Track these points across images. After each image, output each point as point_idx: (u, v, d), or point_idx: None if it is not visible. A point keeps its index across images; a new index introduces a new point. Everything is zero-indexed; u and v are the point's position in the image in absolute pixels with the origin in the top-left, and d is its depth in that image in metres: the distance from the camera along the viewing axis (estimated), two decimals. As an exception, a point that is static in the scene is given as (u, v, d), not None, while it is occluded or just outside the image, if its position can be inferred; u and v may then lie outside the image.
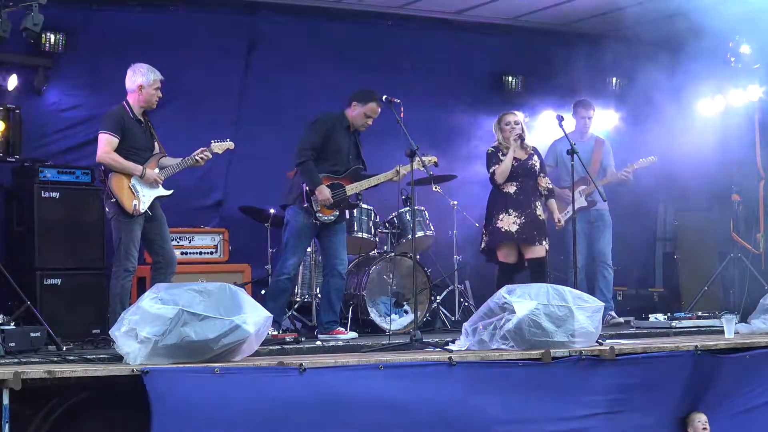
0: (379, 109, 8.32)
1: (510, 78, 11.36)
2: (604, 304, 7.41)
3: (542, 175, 8.87)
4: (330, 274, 8.36)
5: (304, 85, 9.88)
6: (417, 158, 8.04)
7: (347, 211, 8.81)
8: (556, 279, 9.52)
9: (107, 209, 7.63)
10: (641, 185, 10.12)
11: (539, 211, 8.76)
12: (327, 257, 8.43)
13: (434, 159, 8.48)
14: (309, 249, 8.94)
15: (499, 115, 9.00)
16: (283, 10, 10.08)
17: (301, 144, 8.24)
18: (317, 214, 8.18)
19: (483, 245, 8.92)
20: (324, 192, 8.14)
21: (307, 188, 8.16)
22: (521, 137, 8.70)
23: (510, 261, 8.73)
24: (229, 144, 8.01)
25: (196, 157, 7.79)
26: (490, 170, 8.76)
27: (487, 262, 8.98)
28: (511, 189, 8.74)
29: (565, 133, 8.73)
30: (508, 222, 8.65)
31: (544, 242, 8.70)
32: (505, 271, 8.70)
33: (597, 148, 9.96)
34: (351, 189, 8.33)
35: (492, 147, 8.89)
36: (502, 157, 8.73)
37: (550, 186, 8.95)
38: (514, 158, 8.72)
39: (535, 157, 8.87)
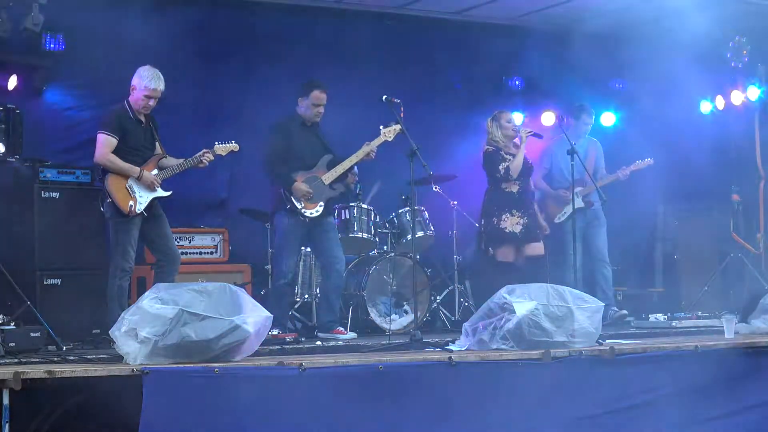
0: (324, 95, 8.41)
1: (510, 78, 11.38)
2: (603, 304, 7.40)
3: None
4: (328, 275, 8.42)
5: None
6: (383, 130, 8.28)
7: (340, 209, 9.02)
8: (554, 278, 9.52)
9: (104, 209, 7.65)
10: (641, 185, 10.12)
11: (536, 209, 8.88)
12: (323, 257, 8.49)
13: (398, 127, 8.23)
14: (307, 249, 8.96)
15: (494, 113, 9.04)
16: (284, 10, 10.08)
17: (264, 158, 8.38)
18: (303, 211, 8.24)
19: (482, 245, 8.93)
20: (300, 187, 8.22)
21: (285, 191, 8.22)
22: (536, 134, 8.80)
23: (509, 260, 8.76)
24: (233, 146, 8.01)
25: (198, 159, 7.79)
26: (500, 167, 8.76)
27: (484, 260, 8.98)
28: (515, 188, 8.80)
29: (565, 133, 8.77)
30: (512, 223, 8.71)
31: (542, 239, 8.90)
32: (504, 270, 8.71)
33: (591, 149, 9.99)
34: (327, 178, 8.39)
35: (489, 146, 8.91)
36: (506, 156, 8.77)
37: (533, 188, 9.14)
38: None
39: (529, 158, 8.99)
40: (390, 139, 8.35)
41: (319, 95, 8.39)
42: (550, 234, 9.52)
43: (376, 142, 8.35)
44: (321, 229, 8.39)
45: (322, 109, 8.43)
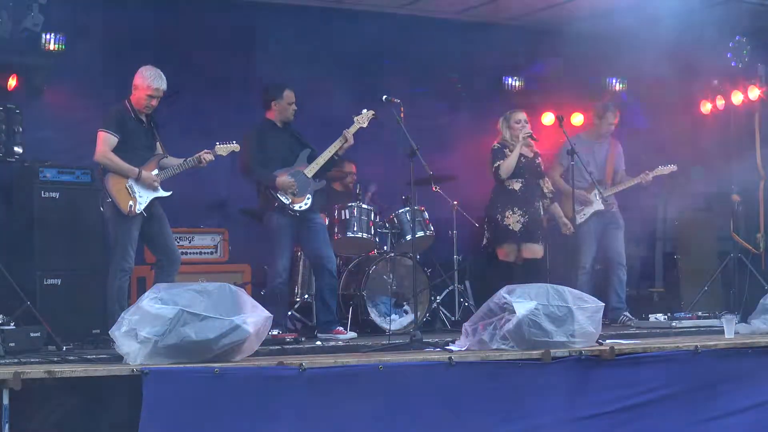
0: (293, 92, 8.50)
1: (510, 78, 11.38)
2: (603, 304, 7.37)
3: (545, 177, 8.96)
4: (320, 275, 8.41)
5: (305, 85, 9.87)
6: (355, 118, 8.37)
7: (340, 209, 9.04)
8: (565, 278, 9.51)
9: (104, 209, 7.64)
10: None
11: (541, 211, 8.84)
12: (313, 258, 8.50)
13: (371, 113, 8.44)
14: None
15: (506, 112, 9.03)
16: (284, 9, 10.08)
17: (242, 166, 8.40)
18: (291, 206, 8.25)
19: (485, 242, 8.93)
20: (284, 180, 8.24)
21: (270, 190, 8.24)
22: (531, 136, 8.80)
23: (510, 260, 8.76)
24: (234, 146, 8.01)
25: (199, 159, 7.79)
26: (494, 165, 8.77)
27: (487, 258, 8.97)
28: (517, 186, 8.80)
29: (566, 134, 8.76)
30: (513, 220, 8.70)
31: (542, 242, 8.80)
32: (505, 270, 8.71)
33: (612, 149, 9.95)
34: (309, 171, 8.42)
35: (497, 143, 8.92)
36: (508, 153, 8.77)
37: (553, 188, 9.02)
38: (522, 155, 8.78)
39: (540, 158, 8.94)
40: (364, 126, 8.43)
41: (290, 93, 8.50)
42: (559, 232, 9.51)
43: (352, 130, 8.41)
44: (309, 229, 8.38)
45: (295, 106, 8.53)
